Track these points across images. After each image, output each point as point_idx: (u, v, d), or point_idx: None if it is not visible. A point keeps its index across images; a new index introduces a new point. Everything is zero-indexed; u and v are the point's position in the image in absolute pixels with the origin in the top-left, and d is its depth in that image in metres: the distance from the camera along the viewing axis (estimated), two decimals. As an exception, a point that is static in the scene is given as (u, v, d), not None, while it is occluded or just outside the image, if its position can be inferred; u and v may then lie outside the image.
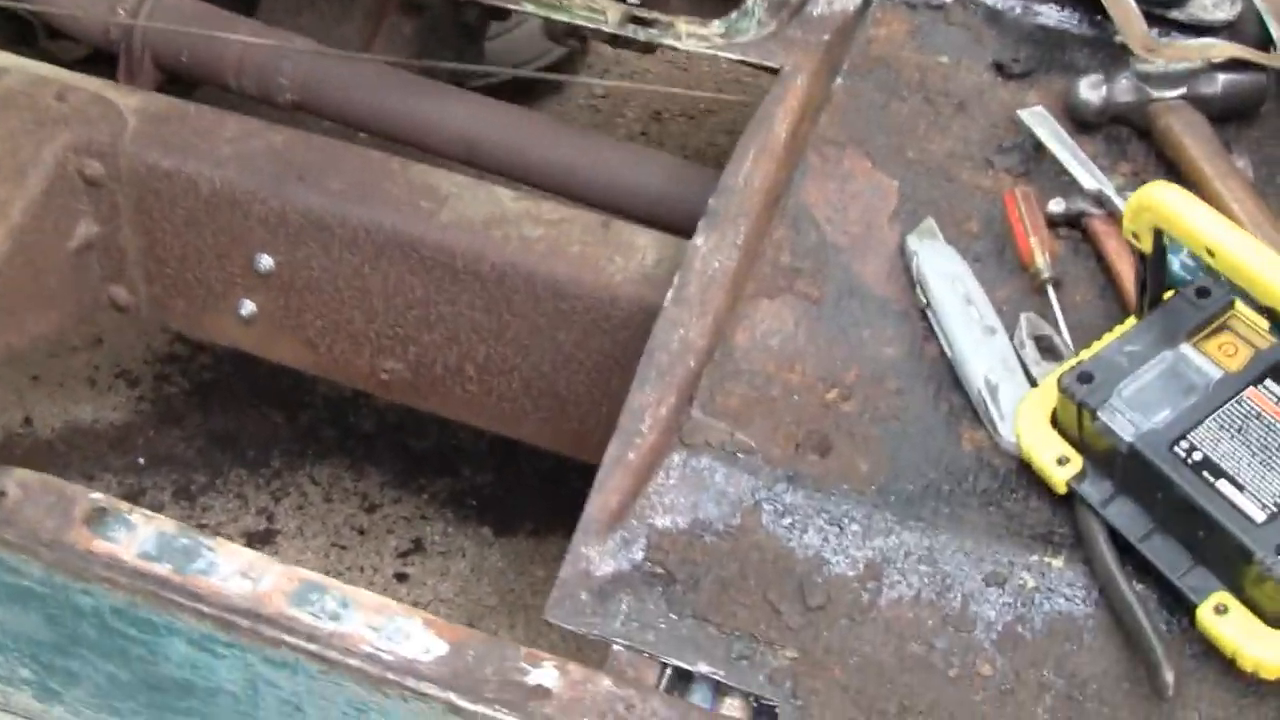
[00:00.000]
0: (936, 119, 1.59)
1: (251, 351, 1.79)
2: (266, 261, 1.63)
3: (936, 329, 1.37)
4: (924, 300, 1.38)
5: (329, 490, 2.42)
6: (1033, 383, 1.30)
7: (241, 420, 2.46)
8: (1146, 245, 1.17)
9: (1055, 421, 1.23)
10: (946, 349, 1.35)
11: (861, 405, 1.31)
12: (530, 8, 1.80)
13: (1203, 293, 1.20)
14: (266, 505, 2.38)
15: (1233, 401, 1.14)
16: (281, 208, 1.60)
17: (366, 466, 2.45)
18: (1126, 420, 1.15)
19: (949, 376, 1.34)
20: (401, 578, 2.31)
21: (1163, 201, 1.11)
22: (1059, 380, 1.19)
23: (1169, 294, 1.23)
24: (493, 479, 2.42)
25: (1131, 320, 1.26)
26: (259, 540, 2.34)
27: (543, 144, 1.82)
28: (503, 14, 2.14)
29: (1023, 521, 1.22)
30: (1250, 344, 1.17)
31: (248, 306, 1.68)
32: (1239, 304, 1.20)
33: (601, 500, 1.26)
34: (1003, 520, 1.22)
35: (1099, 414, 1.15)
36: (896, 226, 1.47)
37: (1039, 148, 1.55)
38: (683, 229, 1.55)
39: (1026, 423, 1.23)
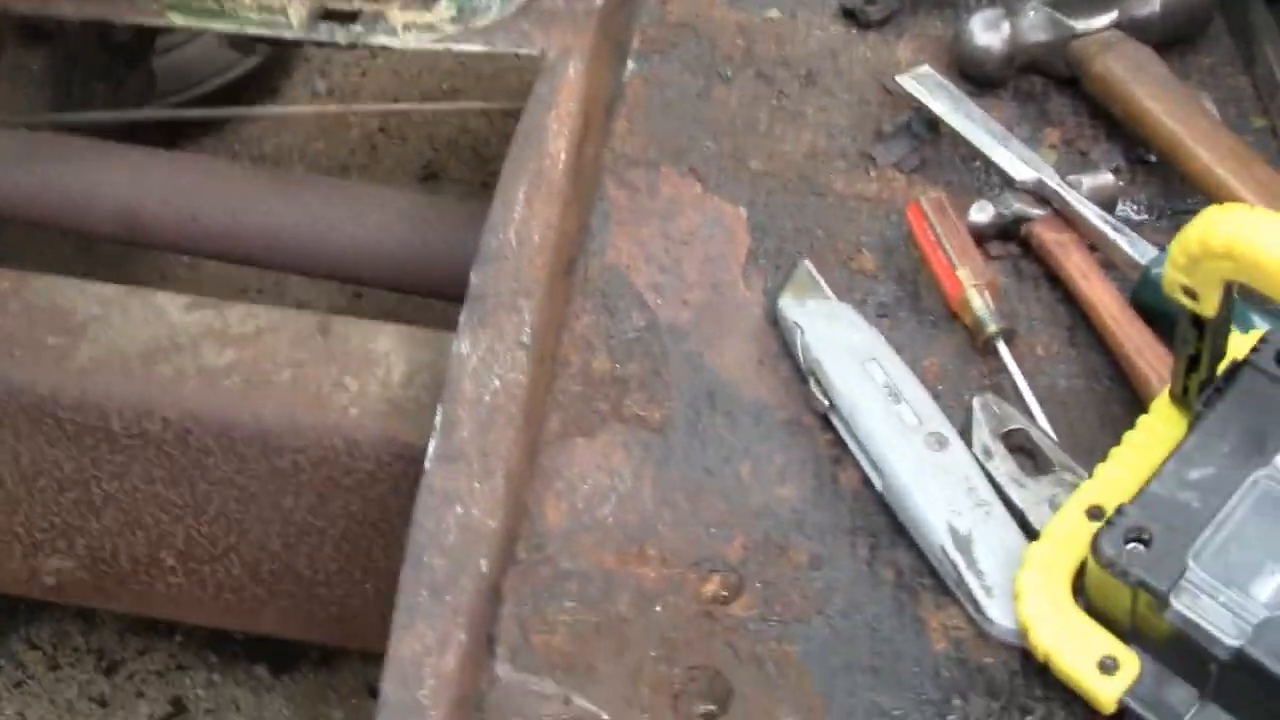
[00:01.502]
0: (781, 103, 1.10)
1: None
2: None
3: (851, 443, 0.88)
4: (823, 400, 0.89)
5: (54, 654, 1.87)
6: (1023, 524, 0.82)
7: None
8: (1209, 306, 0.69)
9: (1081, 592, 0.75)
10: (872, 474, 0.86)
11: (762, 601, 0.81)
12: (178, 21, 1.24)
13: (1296, 362, 0.74)
14: (-28, 691, 1.80)
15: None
16: None
17: (98, 614, 1.88)
18: (1220, 606, 0.68)
19: (883, 519, 0.85)
20: (165, 752, 1.75)
21: (1250, 243, 0.63)
22: (1096, 548, 0.71)
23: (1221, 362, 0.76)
24: (258, 604, 1.88)
25: (1166, 410, 0.79)
26: (-33, 741, 1.82)
27: (236, 203, 1.27)
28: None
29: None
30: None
31: None
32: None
33: None
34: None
35: (1173, 600, 0.68)
36: (757, 281, 0.98)
37: (933, 125, 1.07)
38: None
39: (1037, 604, 0.75)
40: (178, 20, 1.24)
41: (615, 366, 0.92)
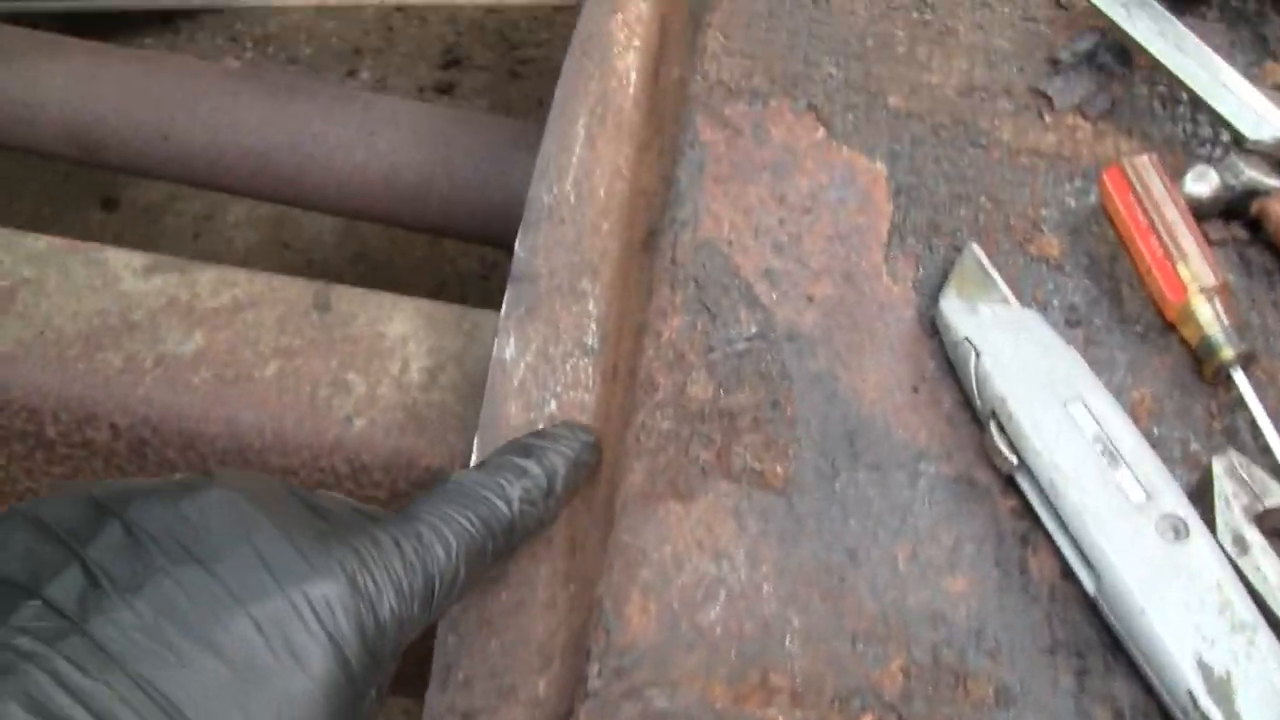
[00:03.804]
0: (924, 15, 0.83)
1: None
2: None
3: (1047, 518, 0.64)
4: (1009, 456, 0.64)
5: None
6: (1311, 666, 0.58)
7: None
8: None
9: None
10: (1080, 569, 0.62)
11: (937, 759, 0.58)
12: None
13: None
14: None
15: None
16: None
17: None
18: None
19: (1093, 631, 0.61)
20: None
21: None
22: None
23: None
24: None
25: None
26: None
27: (217, 118, 1.01)
28: None
29: None
30: None
31: None
32: None
33: None
34: None
35: None
36: (905, 268, 0.72)
37: (1125, 54, 0.81)
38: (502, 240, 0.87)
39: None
40: None
41: (720, 393, 0.66)
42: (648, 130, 0.79)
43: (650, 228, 0.73)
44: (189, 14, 1.90)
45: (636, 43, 0.83)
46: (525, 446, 0.58)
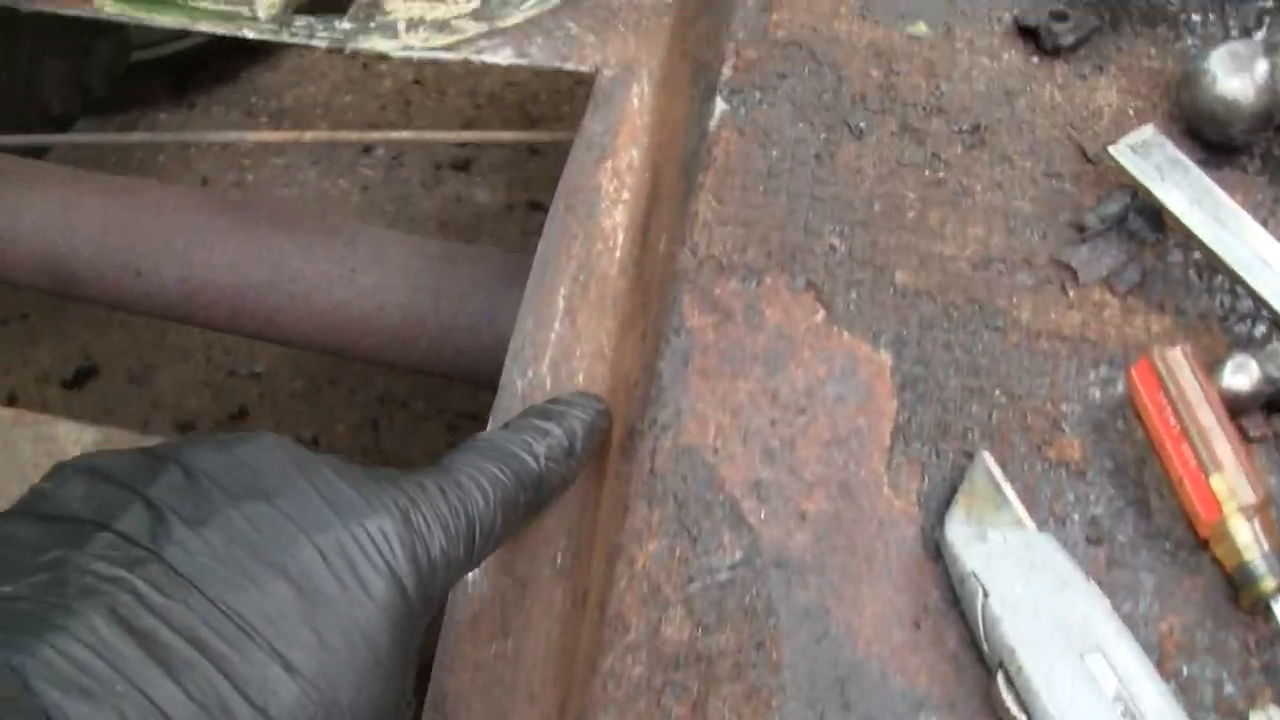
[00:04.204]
0: (937, 174, 0.76)
1: None
2: None
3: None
4: (1018, 714, 0.57)
5: None
6: None
7: None
8: None
9: None
10: None
11: None
12: (109, 9, 0.92)
13: None
14: None
15: None
16: None
17: None
18: None
19: None
20: None
21: None
22: None
23: None
24: None
25: None
26: None
27: (192, 253, 0.97)
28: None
29: None
30: None
31: None
32: None
33: None
34: None
35: None
36: (909, 478, 0.65)
37: (1156, 217, 0.74)
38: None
39: None
40: (108, 9, 0.90)
41: (698, 633, 0.60)
42: (632, 303, 0.73)
43: (629, 426, 0.67)
44: (205, 89, 1.86)
45: (626, 196, 0.78)
46: (545, 411, 0.62)
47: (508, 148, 1.83)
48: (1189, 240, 0.73)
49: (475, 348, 0.92)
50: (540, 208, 1.82)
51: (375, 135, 1.14)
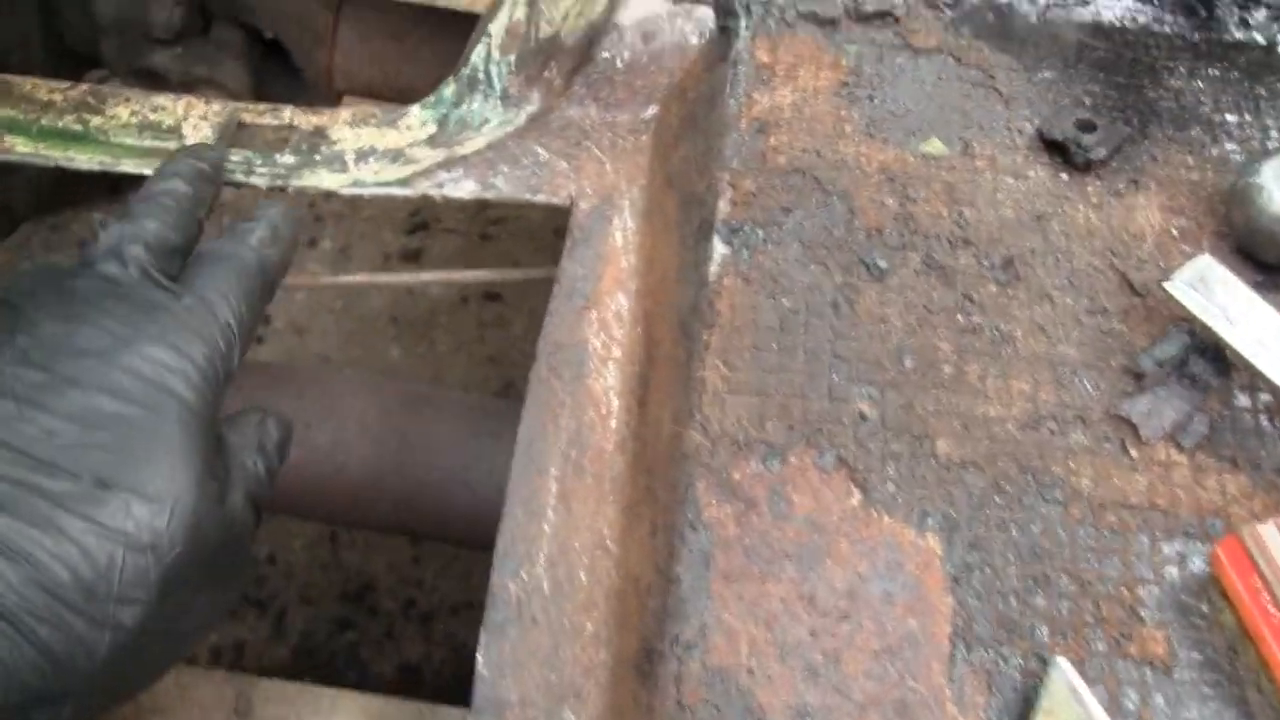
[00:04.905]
0: (970, 318, 0.68)
1: None
2: None
3: None
4: None
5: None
6: None
7: None
8: None
9: None
10: None
11: None
12: (21, 149, 0.83)
13: None
14: None
15: None
16: None
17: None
18: None
19: None
20: None
21: None
22: None
23: None
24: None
25: None
26: None
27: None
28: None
29: None
30: None
31: None
32: None
33: None
34: None
35: None
36: (975, 691, 0.57)
37: (1220, 357, 0.66)
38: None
39: None
40: (20, 148, 0.81)
41: None
42: (635, 487, 0.64)
43: (646, 642, 0.58)
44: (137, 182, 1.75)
45: (616, 353, 0.69)
46: (200, 196, 0.67)
47: (459, 235, 1.74)
48: (1254, 380, 0.65)
49: (445, 509, 0.83)
50: (496, 298, 1.72)
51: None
